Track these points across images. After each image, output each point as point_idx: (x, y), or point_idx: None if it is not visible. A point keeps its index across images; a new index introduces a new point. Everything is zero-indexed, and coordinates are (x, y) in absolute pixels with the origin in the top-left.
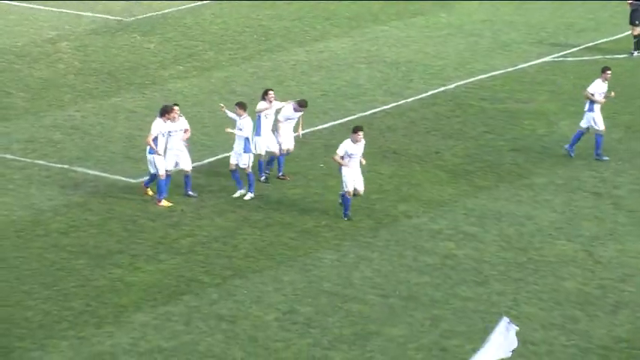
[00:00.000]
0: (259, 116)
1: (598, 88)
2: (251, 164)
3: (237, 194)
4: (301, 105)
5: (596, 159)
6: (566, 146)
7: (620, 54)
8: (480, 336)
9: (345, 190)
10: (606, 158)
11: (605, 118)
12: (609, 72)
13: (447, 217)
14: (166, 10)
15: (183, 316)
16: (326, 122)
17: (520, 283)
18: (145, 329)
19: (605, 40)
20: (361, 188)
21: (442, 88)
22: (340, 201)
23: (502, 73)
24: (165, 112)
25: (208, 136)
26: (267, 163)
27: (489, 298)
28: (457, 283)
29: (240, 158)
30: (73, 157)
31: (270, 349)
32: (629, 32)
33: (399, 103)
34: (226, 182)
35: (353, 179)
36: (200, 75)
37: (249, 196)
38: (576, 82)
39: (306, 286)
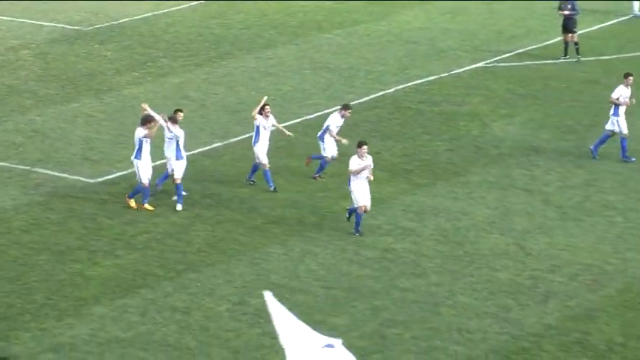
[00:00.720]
0: (258, 127)
1: (623, 93)
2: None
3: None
4: (346, 109)
5: (624, 161)
6: (591, 146)
7: (548, 59)
8: (418, 325)
9: (357, 205)
10: (633, 159)
11: (536, 120)
12: (631, 77)
13: (386, 214)
14: (122, 20)
15: (140, 308)
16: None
17: (456, 274)
18: (104, 321)
19: (534, 46)
20: (369, 204)
21: (382, 92)
22: (347, 216)
23: (438, 78)
24: (146, 121)
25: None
26: (251, 171)
27: (427, 289)
28: (396, 275)
29: (173, 166)
30: (35, 159)
31: (222, 339)
32: (559, 39)
33: None
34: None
35: (363, 194)
36: (154, 81)
37: (179, 207)
38: (508, 86)
39: (255, 279)
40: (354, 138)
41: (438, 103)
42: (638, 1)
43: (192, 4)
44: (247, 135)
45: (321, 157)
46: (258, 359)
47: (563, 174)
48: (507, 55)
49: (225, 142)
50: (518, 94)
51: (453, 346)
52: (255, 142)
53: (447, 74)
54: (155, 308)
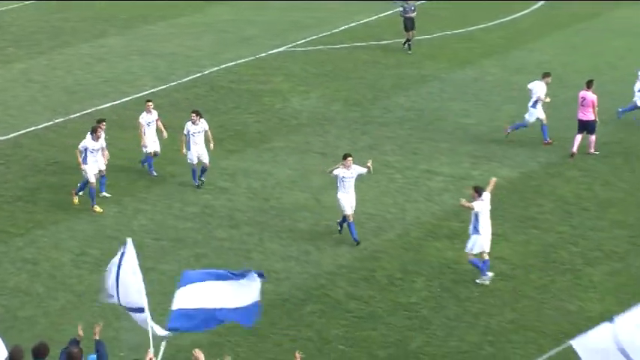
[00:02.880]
0: (188, 133)
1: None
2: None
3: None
4: (547, 76)
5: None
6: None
7: (336, 44)
8: (233, 268)
9: (345, 214)
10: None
11: (327, 95)
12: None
13: (205, 175)
14: None
15: None
16: (106, 103)
17: (264, 225)
18: None
19: (324, 34)
20: (351, 212)
21: (199, 74)
22: (339, 228)
23: (246, 61)
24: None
25: (11, 116)
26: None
27: (240, 238)
28: (214, 227)
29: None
30: None
31: (67, 284)
32: (345, 27)
33: (165, 86)
34: (29, 152)
35: (349, 203)
36: (3, 67)
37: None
38: (304, 67)
39: (94, 233)
40: (176, 112)
41: (246, 82)
42: None
43: (34, 1)
44: (85, 112)
45: (521, 125)
46: (98, 300)
47: (352, 139)
48: (303, 41)
49: (67, 117)
50: (313, 74)
51: (263, 285)
52: (187, 147)
53: (253, 58)
54: (8, 260)
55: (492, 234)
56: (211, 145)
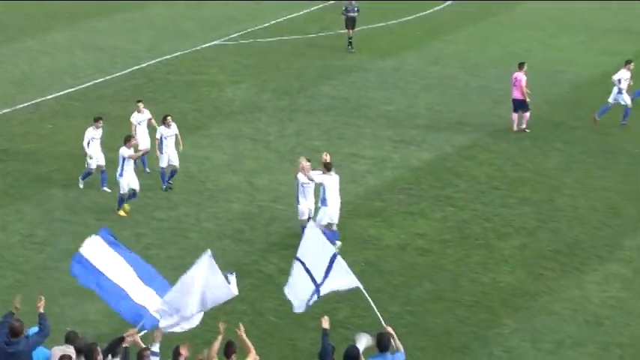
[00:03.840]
0: (161, 138)
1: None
2: None
3: None
4: (629, 62)
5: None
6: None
7: (266, 38)
8: (172, 247)
9: (301, 218)
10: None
11: (258, 85)
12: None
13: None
14: None
15: None
16: (51, 94)
17: (201, 206)
18: None
19: (257, 27)
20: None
21: (138, 66)
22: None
23: (183, 54)
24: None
25: None
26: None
27: (178, 219)
28: (153, 209)
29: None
30: None
31: (15, 263)
32: (275, 21)
33: (107, 78)
34: None
35: (307, 209)
36: None
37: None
38: (236, 59)
39: (41, 216)
40: (117, 103)
41: (183, 73)
42: None
43: None
44: (30, 102)
45: (607, 108)
46: (44, 278)
47: (280, 126)
48: (235, 35)
49: (13, 108)
50: (244, 65)
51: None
52: (160, 150)
53: (189, 50)
54: None
55: (411, 212)
56: (181, 147)
